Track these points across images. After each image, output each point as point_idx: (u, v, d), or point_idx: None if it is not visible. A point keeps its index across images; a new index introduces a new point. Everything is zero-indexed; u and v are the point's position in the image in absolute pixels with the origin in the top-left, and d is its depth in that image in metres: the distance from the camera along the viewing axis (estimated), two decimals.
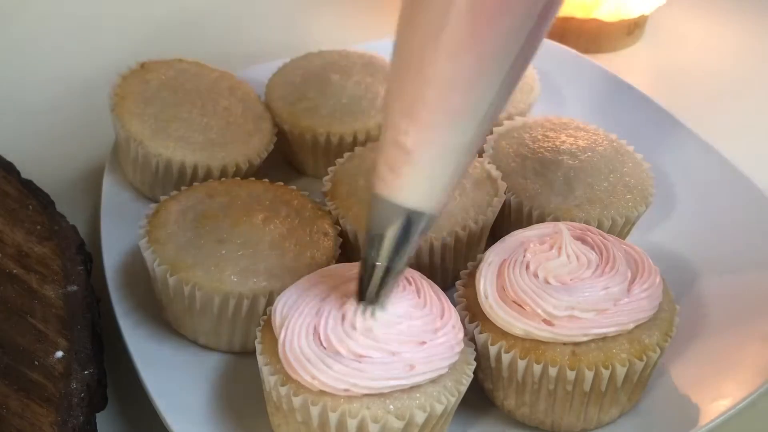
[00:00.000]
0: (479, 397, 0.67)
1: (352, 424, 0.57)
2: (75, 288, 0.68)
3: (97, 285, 0.73)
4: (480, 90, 0.50)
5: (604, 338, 0.61)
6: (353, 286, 0.60)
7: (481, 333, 0.63)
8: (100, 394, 0.64)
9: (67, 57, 1.15)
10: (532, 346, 0.61)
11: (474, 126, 0.51)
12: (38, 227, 0.71)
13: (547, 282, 0.62)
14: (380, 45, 1.00)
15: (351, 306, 0.58)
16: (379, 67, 0.92)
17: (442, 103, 0.50)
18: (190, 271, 0.68)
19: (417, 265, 0.73)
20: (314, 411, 0.57)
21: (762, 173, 0.85)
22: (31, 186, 0.75)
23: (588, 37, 1.16)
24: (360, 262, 0.58)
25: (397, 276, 0.57)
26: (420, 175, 0.53)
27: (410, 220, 0.54)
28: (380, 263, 0.56)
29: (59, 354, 0.62)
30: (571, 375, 0.61)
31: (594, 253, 0.64)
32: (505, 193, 0.77)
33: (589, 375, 0.61)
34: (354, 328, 0.57)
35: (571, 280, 0.62)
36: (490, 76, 0.50)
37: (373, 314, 0.58)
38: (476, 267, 0.67)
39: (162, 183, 0.82)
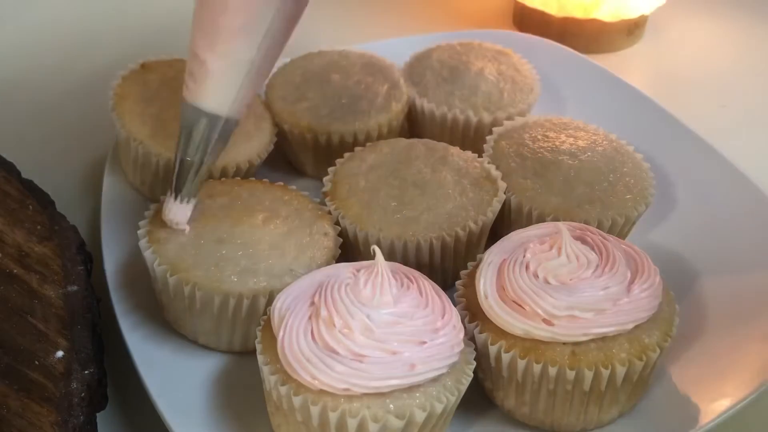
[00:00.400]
0: (479, 397, 0.67)
1: (352, 423, 0.57)
2: (75, 288, 0.68)
3: (97, 285, 0.73)
4: (256, 14, 0.62)
5: (603, 338, 0.61)
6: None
7: (480, 333, 0.63)
8: (100, 394, 0.64)
9: (67, 57, 1.15)
10: (531, 345, 0.61)
11: (255, 44, 0.64)
12: (38, 227, 0.71)
13: (546, 282, 0.62)
14: (380, 45, 1.00)
15: (168, 200, 0.69)
16: (379, 67, 0.92)
17: (225, 22, 0.63)
18: (190, 271, 0.68)
19: (417, 265, 0.73)
20: (314, 410, 0.57)
21: (762, 173, 0.85)
22: (31, 186, 0.75)
23: (588, 37, 1.16)
24: (174, 162, 0.68)
25: (201, 170, 0.68)
26: (214, 83, 0.65)
27: (210, 121, 0.67)
28: (188, 158, 0.68)
29: (59, 354, 0.62)
30: (570, 375, 0.61)
31: (594, 253, 0.64)
32: (505, 193, 0.77)
33: (588, 375, 0.61)
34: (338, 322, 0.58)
35: (570, 280, 0.62)
36: (264, 3, 0.62)
37: (186, 202, 0.68)
38: (476, 267, 0.67)
39: (162, 183, 0.82)
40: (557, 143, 0.81)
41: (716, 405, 0.64)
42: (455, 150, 0.81)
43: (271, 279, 0.68)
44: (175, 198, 0.69)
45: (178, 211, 0.69)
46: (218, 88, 0.66)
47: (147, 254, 0.70)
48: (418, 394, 0.58)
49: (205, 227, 0.71)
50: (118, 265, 0.76)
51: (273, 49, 0.66)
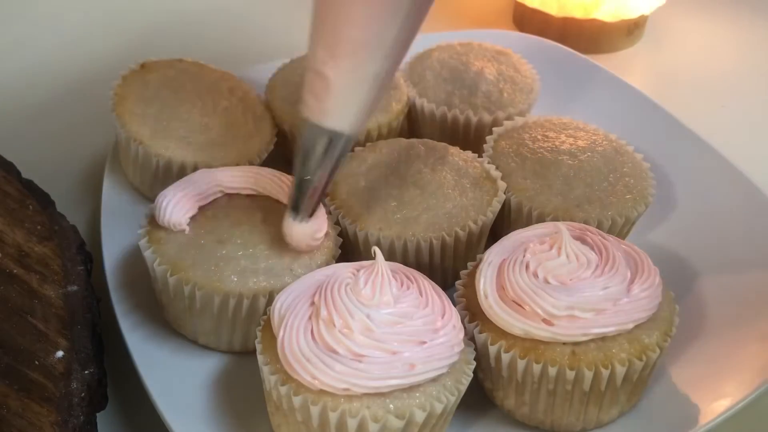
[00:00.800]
0: (479, 397, 0.67)
1: (352, 423, 0.57)
2: (75, 288, 0.68)
3: (97, 285, 0.73)
4: (382, 26, 0.60)
5: (603, 338, 0.61)
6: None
7: (480, 333, 0.63)
8: (100, 394, 0.64)
9: (67, 57, 1.15)
10: (531, 345, 0.61)
11: (381, 57, 0.61)
12: (38, 227, 0.71)
13: (546, 282, 0.62)
14: None
15: (287, 220, 0.67)
16: None
17: (350, 35, 0.60)
18: (190, 271, 0.68)
19: (417, 265, 0.73)
20: (314, 410, 0.57)
21: (762, 173, 0.85)
22: (31, 186, 0.75)
23: (588, 37, 1.16)
24: (292, 180, 0.67)
25: (322, 189, 0.67)
26: (337, 100, 0.62)
27: (332, 139, 0.64)
28: (308, 177, 0.66)
29: (59, 354, 0.62)
30: (570, 375, 0.61)
31: (594, 253, 0.64)
32: (505, 193, 0.77)
33: (588, 375, 0.61)
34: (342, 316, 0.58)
35: (570, 280, 0.62)
36: (390, 14, 0.59)
37: (301, 221, 0.67)
38: (476, 267, 0.68)
39: (162, 183, 0.82)
40: (557, 143, 0.81)
41: (716, 405, 0.64)
42: (455, 150, 0.81)
43: (271, 279, 0.68)
44: (294, 218, 0.67)
45: (299, 231, 0.68)
46: (342, 104, 0.63)
47: (147, 254, 0.70)
48: (418, 394, 0.58)
49: (205, 227, 0.71)
50: (118, 265, 0.76)
51: (399, 57, 0.63)
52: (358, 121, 0.64)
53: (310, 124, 0.64)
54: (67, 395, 0.60)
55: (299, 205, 0.67)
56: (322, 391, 0.57)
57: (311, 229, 0.68)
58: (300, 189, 0.66)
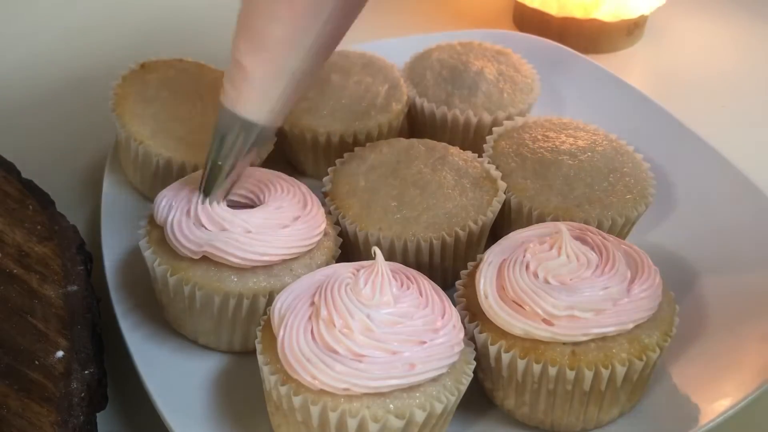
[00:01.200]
0: (479, 397, 0.67)
1: (352, 423, 0.57)
2: (75, 288, 0.68)
3: (97, 285, 0.73)
4: (303, 26, 0.61)
5: (603, 338, 0.61)
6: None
7: (480, 333, 0.63)
8: (100, 394, 0.64)
9: (67, 57, 1.15)
10: (531, 345, 0.61)
11: (300, 54, 0.63)
12: (38, 227, 0.71)
13: (546, 282, 0.62)
14: (380, 45, 1.00)
15: (195, 200, 0.68)
16: (379, 67, 0.92)
17: (272, 31, 0.62)
18: (190, 271, 0.68)
19: (417, 265, 0.73)
20: (314, 410, 0.57)
21: (762, 173, 0.85)
22: (31, 186, 0.75)
23: (588, 37, 1.16)
24: (204, 164, 0.68)
25: (231, 175, 0.68)
26: (254, 91, 0.64)
27: (245, 128, 0.66)
28: (219, 162, 0.67)
29: (59, 354, 0.62)
30: (570, 375, 0.61)
31: (594, 253, 0.64)
32: (505, 193, 0.77)
33: (588, 375, 0.61)
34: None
35: (570, 280, 0.62)
36: (312, 16, 0.61)
37: (210, 204, 0.68)
38: (476, 267, 0.68)
39: (162, 183, 0.82)
40: (557, 143, 0.81)
41: (716, 405, 0.64)
42: (455, 150, 0.81)
43: (271, 279, 0.68)
44: (203, 201, 0.69)
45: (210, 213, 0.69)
46: (257, 95, 0.65)
47: (147, 254, 0.70)
48: (418, 394, 0.58)
49: None
50: (117, 265, 0.76)
51: (318, 59, 0.65)
52: (274, 114, 0.66)
53: (225, 111, 0.66)
54: (67, 395, 0.60)
55: (209, 188, 0.68)
56: (322, 391, 0.57)
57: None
58: (211, 173, 0.68)
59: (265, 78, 0.64)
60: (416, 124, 0.93)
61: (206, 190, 0.69)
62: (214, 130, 0.68)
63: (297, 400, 0.57)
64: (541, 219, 0.76)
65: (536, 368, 0.61)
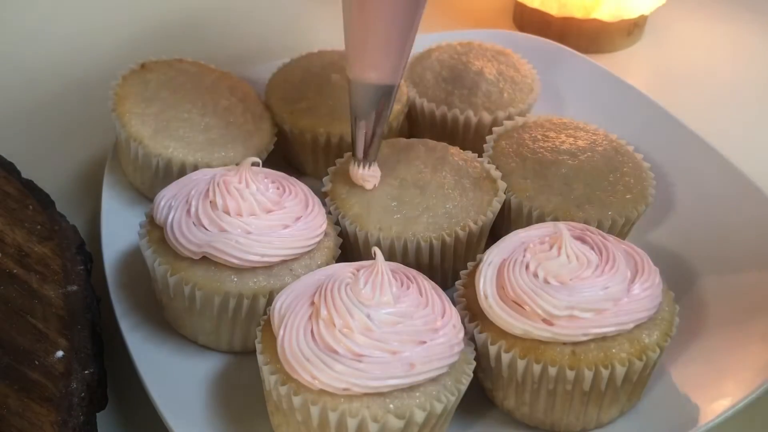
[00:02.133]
0: (479, 397, 0.67)
1: (352, 423, 0.57)
2: (75, 288, 0.68)
3: (97, 285, 0.73)
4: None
5: (603, 338, 0.61)
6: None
7: (480, 333, 0.63)
8: (100, 394, 0.64)
9: (67, 57, 1.15)
10: (531, 345, 0.61)
11: (411, 11, 0.70)
12: (38, 227, 0.71)
13: (546, 282, 0.62)
14: None
15: (355, 169, 0.75)
16: None
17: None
18: (190, 271, 0.68)
19: (417, 265, 0.73)
20: (314, 410, 0.57)
21: (762, 173, 0.85)
22: (31, 186, 0.75)
23: (588, 37, 1.16)
24: (356, 133, 0.74)
25: (381, 138, 0.75)
26: (387, 58, 0.72)
27: (385, 93, 0.73)
28: (380, 129, 0.74)
29: (59, 354, 0.62)
30: (570, 375, 0.61)
31: (594, 253, 0.64)
32: (505, 193, 0.77)
33: (588, 375, 0.61)
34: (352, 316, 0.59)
35: (570, 279, 0.62)
36: None
37: (369, 167, 0.75)
38: (476, 267, 0.67)
39: (162, 183, 0.82)
40: (557, 143, 0.81)
41: (716, 405, 0.64)
42: (455, 150, 0.81)
43: (271, 279, 0.68)
44: (365, 166, 0.75)
45: (371, 174, 0.75)
46: (390, 61, 0.72)
47: (147, 254, 0.70)
48: (417, 394, 0.58)
49: None
50: (117, 265, 0.76)
51: (420, 11, 0.71)
52: (400, 72, 0.73)
53: (361, 85, 0.73)
54: (67, 395, 0.60)
55: (373, 154, 0.75)
56: (322, 391, 0.57)
57: (377, 171, 0.76)
58: (373, 141, 0.75)
59: (390, 43, 0.71)
60: (416, 124, 0.93)
61: (369, 156, 0.75)
62: (358, 106, 0.73)
63: (297, 400, 0.57)
64: (541, 219, 0.76)
65: (536, 368, 0.61)
